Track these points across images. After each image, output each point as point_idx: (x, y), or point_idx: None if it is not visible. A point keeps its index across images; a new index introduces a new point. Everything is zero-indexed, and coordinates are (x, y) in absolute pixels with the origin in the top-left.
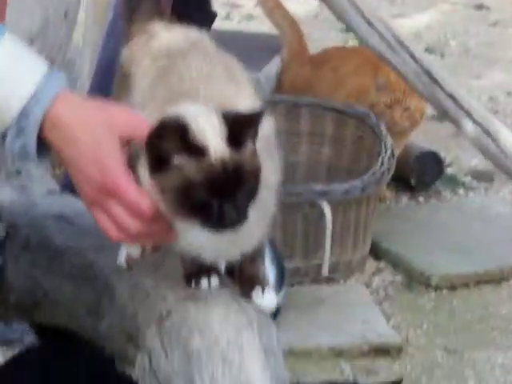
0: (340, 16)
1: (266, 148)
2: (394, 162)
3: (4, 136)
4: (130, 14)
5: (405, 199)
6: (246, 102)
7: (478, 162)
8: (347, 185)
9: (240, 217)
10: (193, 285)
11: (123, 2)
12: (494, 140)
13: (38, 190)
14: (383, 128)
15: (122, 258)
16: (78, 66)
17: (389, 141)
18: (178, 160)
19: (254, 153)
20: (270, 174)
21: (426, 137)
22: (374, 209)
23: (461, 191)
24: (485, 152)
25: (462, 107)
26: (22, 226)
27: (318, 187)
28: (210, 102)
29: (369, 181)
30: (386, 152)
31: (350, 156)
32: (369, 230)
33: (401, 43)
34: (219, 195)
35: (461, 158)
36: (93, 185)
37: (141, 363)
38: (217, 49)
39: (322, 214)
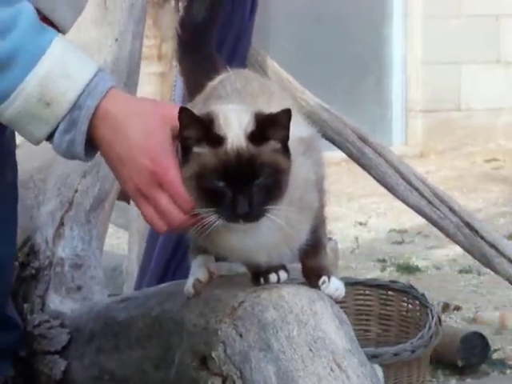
0: (380, 178)
1: (306, 150)
2: (440, 329)
3: (51, 135)
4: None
5: (453, 381)
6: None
7: None
8: (397, 348)
9: (253, 210)
10: (262, 282)
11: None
12: None
13: (99, 298)
14: (428, 297)
15: (189, 286)
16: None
17: (435, 308)
18: (199, 149)
19: (278, 151)
20: (309, 173)
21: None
22: (424, 373)
23: (508, 371)
24: None
25: (504, 255)
26: (85, 324)
27: (369, 350)
28: None
29: (418, 343)
30: (432, 318)
31: (397, 331)
32: None
33: (440, 198)
34: (232, 184)
35: (506, 349)
36: (143, 174)
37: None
38: (258, 75)
39: None
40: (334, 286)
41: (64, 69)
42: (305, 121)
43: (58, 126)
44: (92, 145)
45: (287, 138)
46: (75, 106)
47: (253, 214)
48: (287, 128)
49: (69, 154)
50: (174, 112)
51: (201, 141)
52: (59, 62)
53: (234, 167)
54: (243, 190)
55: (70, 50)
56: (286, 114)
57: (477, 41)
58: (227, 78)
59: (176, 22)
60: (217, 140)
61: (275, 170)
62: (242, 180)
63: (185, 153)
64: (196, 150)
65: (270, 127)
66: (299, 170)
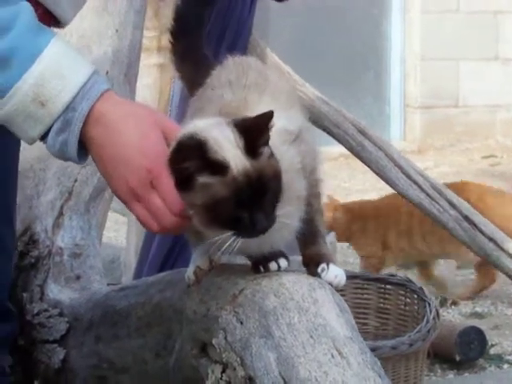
0: (380, 172)
1: (289, 141)
2: (438, 323)
3: (44, 136)
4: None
5: (451, 375)
6: (265, 107)
7: None
8: (395, 341)
9: (269, 221)
10: (261, 270)
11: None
12: None
13: (98, 287)
14: (426, 291)
15: (190, 273)
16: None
17: (433, 302)
18: (202, 179)
19: (271, 156)
20: (293, 162)
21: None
22: (422, 366)
23: (505, 366)
24: None
25: (502, 249)
26: (84, 312)
27: (367, 343)
28: (228, 107)
29: (416, 337)
30: (431, 312)
31: (395, 324)
32: None
33: (439, 192)
34: (248, 207)
35: (503, 344)
36: (138, 174)
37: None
38: (262, 63)
39: None
40: (333, 272)
41: (59, 70)
42: (299, 112)
43: (52, 126)
44: (85, 147)
45: (269, 137)
46: (69, 108)
47: (270, 225)
48: (269, 129)
49: (62, 155)
50: (164, 119)
51: (201, 170)
52: (55, 62)
53: (247, 191)
54: (258, 207)
55: (67, 51)
56: (266, 117)
57: (475, 37)
58: (225, 67)
59: (168, 33)
60: (219, 167)
61: (276, 176)
62: (255, 199)
63: (183, 182)
64: (201, 180)
65: (255, 135)
66: (281, 161)
